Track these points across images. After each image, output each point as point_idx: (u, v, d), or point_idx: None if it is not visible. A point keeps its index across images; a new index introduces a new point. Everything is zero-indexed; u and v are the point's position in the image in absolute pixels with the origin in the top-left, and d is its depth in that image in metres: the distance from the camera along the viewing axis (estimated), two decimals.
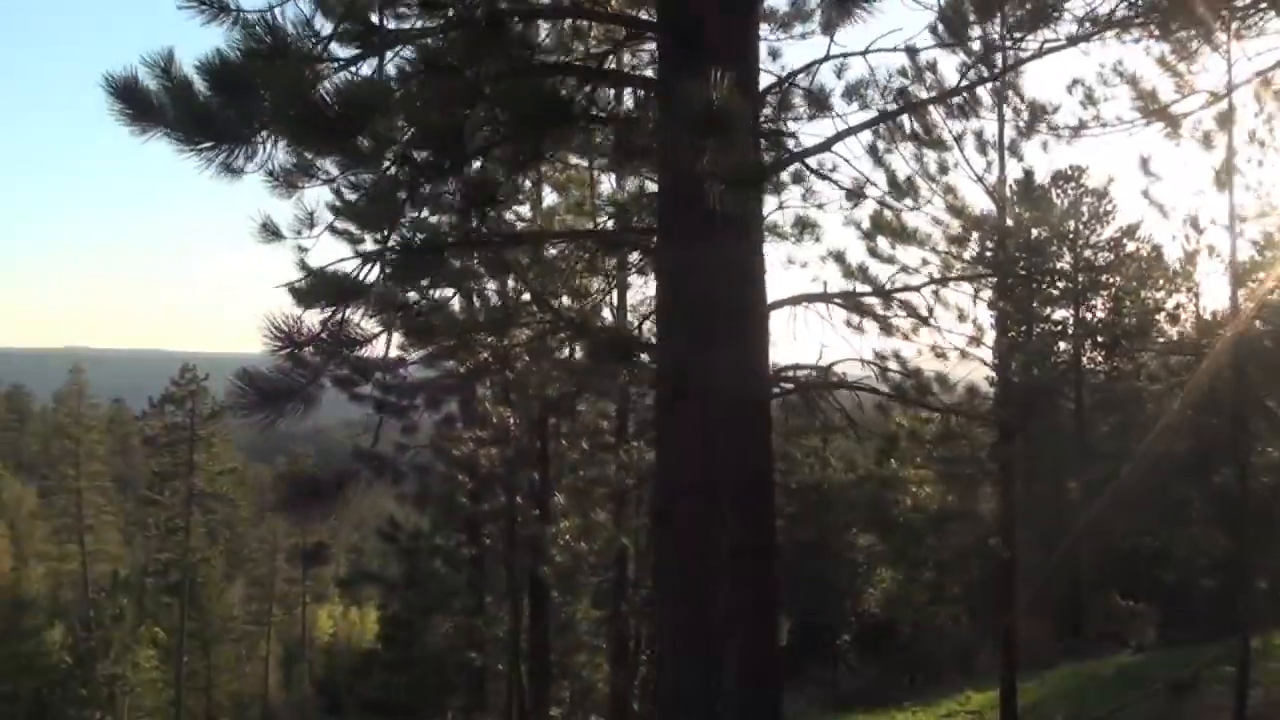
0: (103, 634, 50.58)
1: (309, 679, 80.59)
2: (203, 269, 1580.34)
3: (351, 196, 12.35)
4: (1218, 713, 19.48)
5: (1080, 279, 46.39)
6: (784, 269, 12.43)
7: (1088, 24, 8.76)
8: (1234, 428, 18.29)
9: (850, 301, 10.74)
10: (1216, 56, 17.90)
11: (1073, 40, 8.77)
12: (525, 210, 19.88)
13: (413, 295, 20.73)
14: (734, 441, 7.37)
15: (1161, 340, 42.11)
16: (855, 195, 11.26)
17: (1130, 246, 45.77)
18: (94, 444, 63.32)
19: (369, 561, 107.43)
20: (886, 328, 12.94)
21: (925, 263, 19.90)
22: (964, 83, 9.69)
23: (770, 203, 11.09)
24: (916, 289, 12.85)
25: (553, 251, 13.20)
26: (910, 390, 12.43)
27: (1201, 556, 34.75)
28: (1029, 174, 25.85)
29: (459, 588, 21.60)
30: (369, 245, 18.41)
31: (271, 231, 15.06)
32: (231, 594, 65.55)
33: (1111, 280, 46.33)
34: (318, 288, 20.32)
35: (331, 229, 16.64)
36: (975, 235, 22.53)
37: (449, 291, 21.35)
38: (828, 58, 9.33)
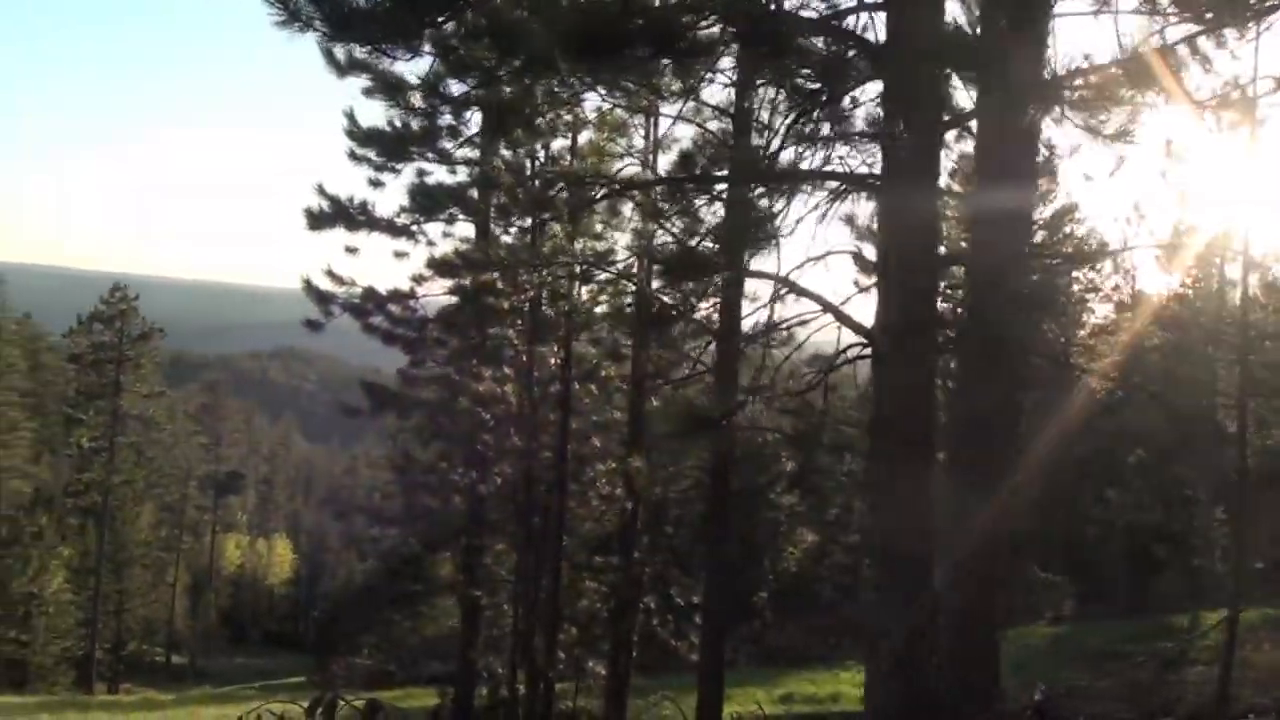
0: (20, 551, 49.42)
1: (214, 609, 79.80)
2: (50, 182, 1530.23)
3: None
4: (1201, 686, 20.01)
5: None
6: None
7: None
8: (1240, 409, 18.86)
9: None
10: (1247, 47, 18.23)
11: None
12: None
13: (432, 228, 20.68)
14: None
15: (1093, 319, 43.01)
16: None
17: (1067, 228, 46.68)
18: (16, 358, 61.55)
19: (278, 493, 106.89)
20: None
21: None
22: None
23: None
24: None
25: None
26: None
27: (1196, 536, 35.87)
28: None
29: (463, 525, 21.46)
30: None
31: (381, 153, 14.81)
32: (143, 519, 64.45)
33: (1050, 260, 47.28)
34: (333, 213, 20.08)
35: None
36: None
37: (470, 229, 21.33)
38: None
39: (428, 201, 19.58)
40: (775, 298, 9.58)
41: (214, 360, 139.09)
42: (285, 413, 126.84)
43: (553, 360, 20.09)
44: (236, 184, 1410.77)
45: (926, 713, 9.05)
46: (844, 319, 8.66)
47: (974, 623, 8.85)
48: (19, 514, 53.34)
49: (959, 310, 13.25)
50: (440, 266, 19.48)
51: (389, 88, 17.06)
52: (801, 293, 8.95)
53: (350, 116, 19.89)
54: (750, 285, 14.64)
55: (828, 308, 8.87)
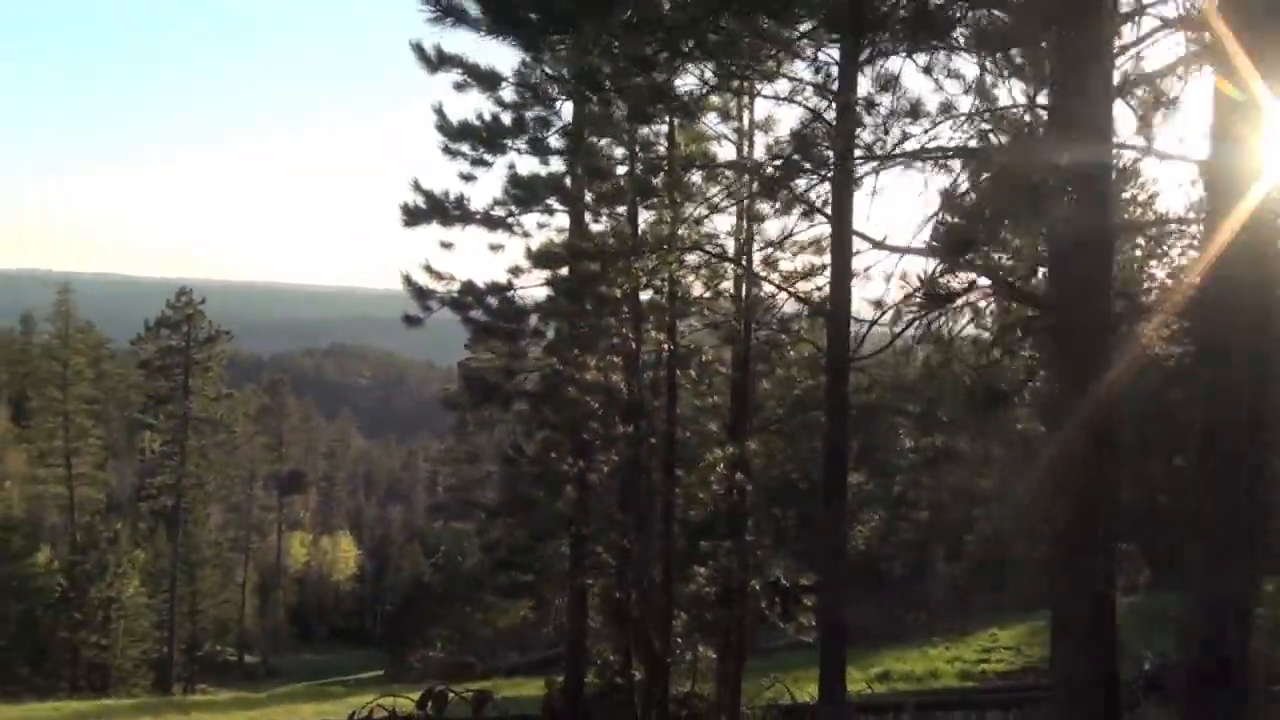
0: (97, 556, 50.06)
1: (282, 607, 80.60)
2: (79, 188, 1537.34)
3: None
4: None
5: None
6: None
7: None
8: None
9: None
10: None
11: None
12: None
13: (528, 219, 20.73)
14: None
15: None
16: None
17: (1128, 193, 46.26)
18: (83, 366, 62.33)
19: (339, 490, 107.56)
20: None
21: None
22: None
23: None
24: None
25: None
26: None
27: None
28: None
29: (573, 514, 21.55)
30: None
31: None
32: (211, 520, 65.28)
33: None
34: (428, 209, 20.13)
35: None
36: None
37: (564, 220, 21.40)
38: None
39: (525, 193, 19.69)
40: (939, 272, 9.42)
41: (269, 360, 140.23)
42: (341, 410, 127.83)
43: (665, 345, 20.10)
44: (277, 187, 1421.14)
45: (1108, 683, 9.09)
46: (1015, 291, 8.64)
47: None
48: (95, 519, 54.08)
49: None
50: (540, 257, 19.56)
51: (484, 80, 17.12)
52: (966, 266, 8.88)
53: (440, 112, 20.07)
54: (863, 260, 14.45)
55: (997, 281, 8.85)
